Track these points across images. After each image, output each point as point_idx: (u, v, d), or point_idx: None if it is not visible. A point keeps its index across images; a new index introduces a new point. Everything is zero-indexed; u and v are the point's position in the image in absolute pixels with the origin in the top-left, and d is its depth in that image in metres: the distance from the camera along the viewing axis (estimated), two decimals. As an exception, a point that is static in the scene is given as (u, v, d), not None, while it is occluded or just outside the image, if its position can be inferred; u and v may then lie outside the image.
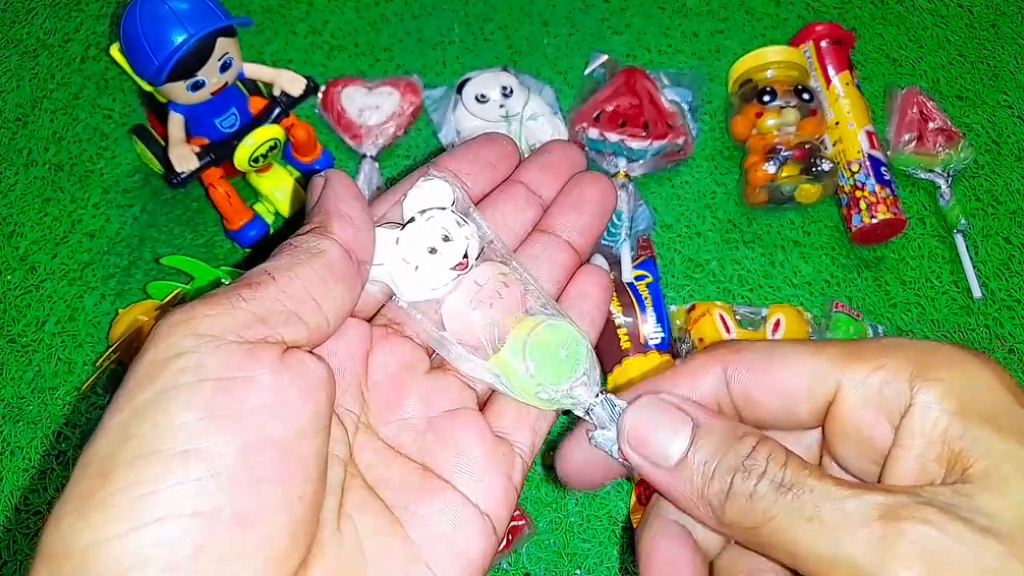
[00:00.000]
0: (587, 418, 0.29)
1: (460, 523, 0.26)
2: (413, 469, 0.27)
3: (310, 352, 0.25)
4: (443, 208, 0.30)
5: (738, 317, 0.61)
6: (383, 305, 0.31)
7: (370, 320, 0.30)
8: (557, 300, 0.32)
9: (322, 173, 0.29)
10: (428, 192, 0.30)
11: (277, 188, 0.63)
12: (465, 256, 0.30)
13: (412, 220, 0.30)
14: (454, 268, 0.30)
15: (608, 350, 0.60)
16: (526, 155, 0.37)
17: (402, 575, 0.25)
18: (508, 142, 0.34)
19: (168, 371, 0.22)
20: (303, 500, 0.23)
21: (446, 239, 0.30)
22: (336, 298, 0.26)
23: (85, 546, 0.21)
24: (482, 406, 0.30)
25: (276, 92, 0.61)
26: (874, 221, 0.64)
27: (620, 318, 0.61)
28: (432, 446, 0.28)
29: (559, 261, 0.32)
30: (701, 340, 0.60)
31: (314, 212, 0.28)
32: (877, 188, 0.65)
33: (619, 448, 0.28)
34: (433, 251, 0.29)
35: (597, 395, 0.29)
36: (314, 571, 0.23)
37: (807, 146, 0.64)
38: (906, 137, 0.68)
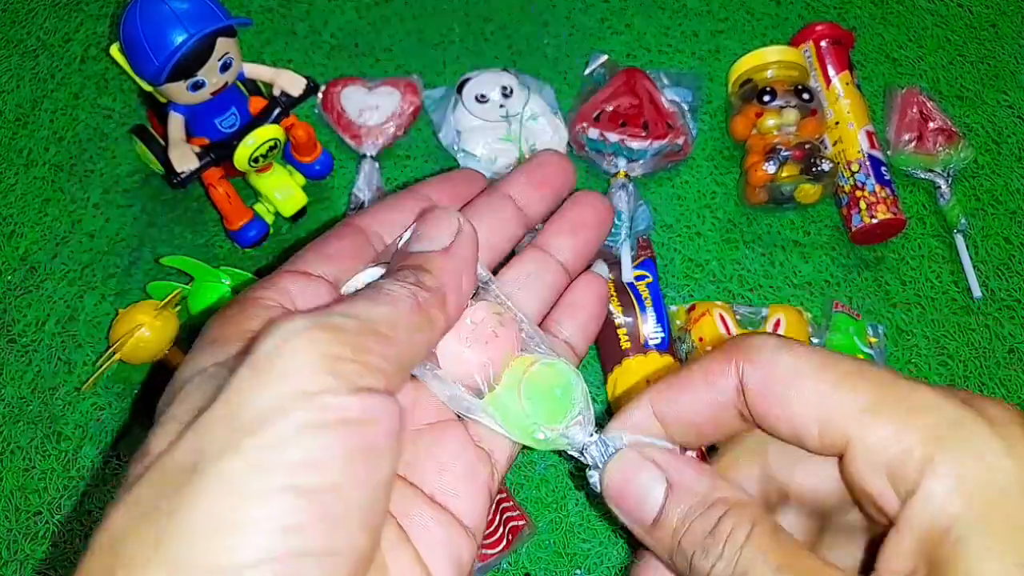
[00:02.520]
0: (582, 459, 0.29)
1: (449, 533, 0.27)
2: (401, 485, 0.28)
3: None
4: None
5: (738, 317, 0.61)
6: None
7: None
8: (551, 310, 0.32)
9: (450, 213, 0.28)
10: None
11: (277, 188, 0.63)
12: None
13: None
14: None
15: (608, 350, 0.60)
16: (525, 156, 0.37)
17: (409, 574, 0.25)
18: (479, 178, 0.34)
19: (298, 411, 0.21)
20: (375, 529, 0.23)
21: None
22: (420, 356, 0.26)
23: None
24: None
25: (276, 92, 0.61)
26: (874, 221, 0.64)
27: (620, 318, 0.61)
28: (415, 460, 0.28)
29: (549, 281, 0.33)
30: (701, 340, 0.60)
31: (436, 264, 0.27)
32: (877, 188, 0.65)
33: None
34: None
35: (592, 435, 0.29)
36: None
37: (807, 146, 0.64)
38: (906, 137, 0.69)
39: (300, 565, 0.20)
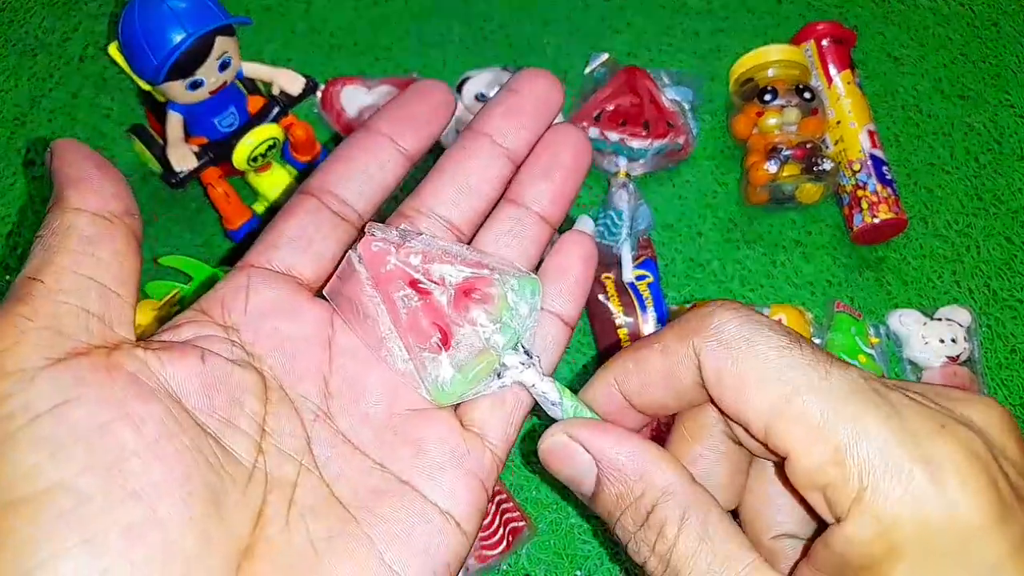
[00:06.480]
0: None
1: (419, 522, 0.25)
2: (371, 467, 0.26)
3: (141, 344, 0.24)
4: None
5: (739, 317, 0.61)
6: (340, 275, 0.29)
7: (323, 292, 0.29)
8: (535, 272, 0.31)
9: (49, 146, 0.27)
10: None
11: (276, 187, 0.63)
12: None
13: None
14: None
15: (608, 350, 0.60)
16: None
17: (358, 570, 0.24)
18: (441, 92, 0.32)
19: None
20: (194, 495, 0.22)
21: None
22: (112, 265, 0.25)
23: None
24: None
25: (275, 91, 0.61)
26: (876, 221, 0.64)
27: (621, 318, 0.61)
28: (392, 445, 0.27)
29: (530, 236, 0.31)
30: (702, 340, 0.60)
31: (53, 190, 0.26)
32: (879, 187, 0.64)
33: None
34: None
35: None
36: (261, 567, 0.23)
37: (808, 145, 0.64)
38: None
39: None
